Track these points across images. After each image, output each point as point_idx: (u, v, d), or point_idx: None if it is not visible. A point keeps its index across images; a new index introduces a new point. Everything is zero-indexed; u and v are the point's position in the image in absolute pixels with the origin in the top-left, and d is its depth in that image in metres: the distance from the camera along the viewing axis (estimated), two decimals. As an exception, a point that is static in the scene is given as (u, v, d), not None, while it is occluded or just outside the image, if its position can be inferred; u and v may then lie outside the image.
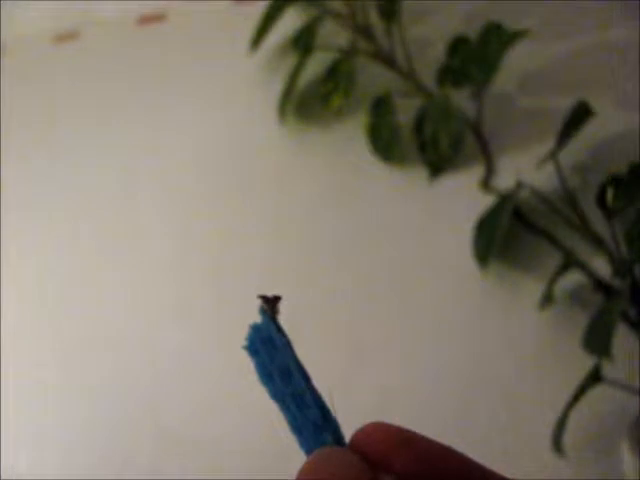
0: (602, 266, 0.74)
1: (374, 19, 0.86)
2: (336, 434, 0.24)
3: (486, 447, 0.75)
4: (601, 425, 0.74)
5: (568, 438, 0.69)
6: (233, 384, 0.82)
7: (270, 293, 0.26)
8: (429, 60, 0.84)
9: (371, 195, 0.87)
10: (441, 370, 0.80)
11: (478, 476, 0.24)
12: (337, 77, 0.85)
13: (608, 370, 0.68)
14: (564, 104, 0.75)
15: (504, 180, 0.80)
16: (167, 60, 0.99)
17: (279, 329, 0.25)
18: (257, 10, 0.89)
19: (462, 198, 0.82)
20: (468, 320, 0.80)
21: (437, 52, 0.83)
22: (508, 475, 0.24)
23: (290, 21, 0.89)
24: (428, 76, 0.83)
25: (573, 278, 0.76)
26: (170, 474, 0.85)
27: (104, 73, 1.01)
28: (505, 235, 0.75)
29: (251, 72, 0.93)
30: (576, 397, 0.68)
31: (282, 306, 0.26)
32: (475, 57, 0.79)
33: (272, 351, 0.25)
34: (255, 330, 0.25)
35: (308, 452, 0.24)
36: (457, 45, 0.81)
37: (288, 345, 0.25)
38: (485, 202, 0.78)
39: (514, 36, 0.78)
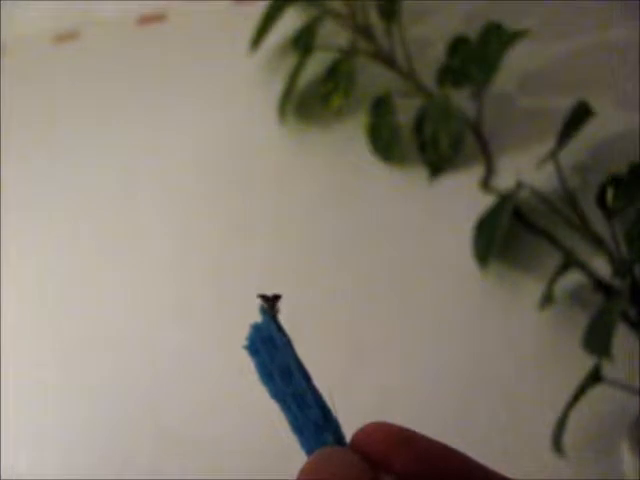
0: (602, 266, 0.74)
1: (374, 19, 0.86)
2: (337, 434, 0.24)
3: (486, 447, 0.75)
4: (601, 425, 0.74)
5: (568, 438, 0.69)
6: (233, 384, 0.82)
7: (270, 292, 0.26)
8: (429, 60, 0.84)
9: (371, 195, 0.87)
10: (441, 370, 0.80)
11: (479, 476, 0.24)
12: (337, 77, 0.85)
13: (608, 370, 0.68)
14: (564, 104, 0.75)
15: (504, 180, 0.80)
16: (167, 60, 0.99)
17: (279, 329, 0.25)
18: (257, 10, 0.89)
19: (462, 198, 0.82)
20: (468, 320, 0.80)
21: (437, 52, 0.83)
22: (508, 475, 0.24)
23: (290, 21, 0.89)
24: (428, 76, 0.83)
25: (573, 278, 0.76)
26: (170, 474, 0.85)
27: (104, 73, 1.01)
28: (505, 235, 0.75)
29: (251, 72, 0.93)
30: (576, 397, 0.68)
31: (282, 306, 0.26)
32: (475, 57, 0.79)
33: (273, 351, 0.25)
34: (255, 330, 0.25)
35: (309, 452, 0.24)
36: (457, 45, 0.81)
37: (289, 344, 0.25)
38: (485, 202, 0.78)
39: (514, 36, 0.78)
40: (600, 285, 0.74)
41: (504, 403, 0.78)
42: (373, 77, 0.86)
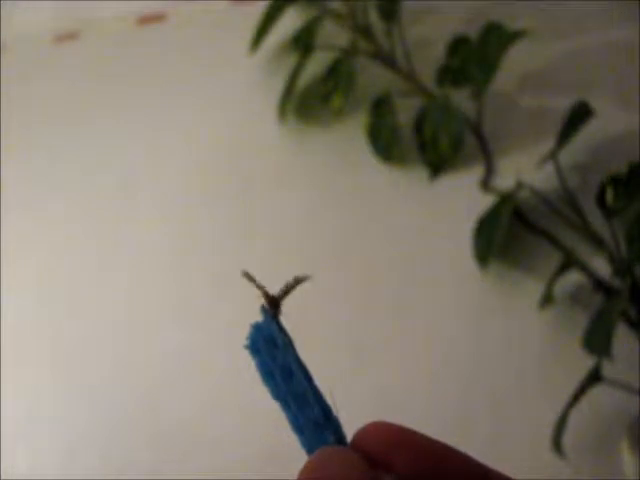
0: (602, 266, 0.74)
1: (374, 19, 0.86)
2: (338, 433, 0.24)
3: (486, 446, 0.75)
4: (601, 425, 0.74)
5: (568, 438, 0.69)
6: (234, 384, 0.82)
7: (271, 292, 0.26)
8: (429, 60, 0.84)
9: (371, 195, 0.87)
10: (441, 370, 0.80)
11: (479, 475, 0.24)
12: (337, 77, 0.85)
13: (608, 370, 0.68)
14: (564, 104, 0.75)
15: (504, 180, 0.80)
16: (167, 60, 0.99)
17: (281, 328, 0.25)
18: (257, 10, 0.89)
19: (462, 198, 0.82)
20: (468, 320, 0.80)
21: (437, 52, 0.83)
22: (508, 475, 0.24)
23: (290, 21, 0.89)
24: (428, 76, 0.83)
25: (573, 278, 0.76)
26: (170, 474, 0.85)
27: (104, 73, 1.01)
28: (505, 235, 0.75)
29: (251, 72, 0.93)
30: (576, 397, 0.68)
31: (283, 306, 0.26)
32: (475, 57, 0.79)
33: (274, 350, 0.25)
34: (257, 329, 0.25)
35: (310, 452, 0.24)
36: (457, 45, 0.81)
37: (290, 344, 0.25)
38: (485, 202, 0.78)
39: (514, 36, 0.78)
40: (600, 285, 0.74)
41: (504, 403, 0.78)
42: (373, 77, 0.86)
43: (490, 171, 0.82)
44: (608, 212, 0.68)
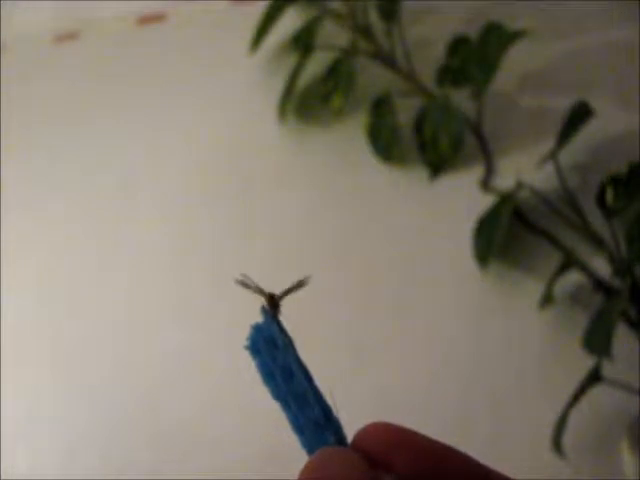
0: (602, 266, 0.74)
1: (374, 19, 0.86)
2: (338, 434, 0.24)
3: (486, 446, 0.75)
4: (601, 425, 0.74)
5: (568, 438, 0.69)
6: (234, 384, 0.82)
7: (271, 291, 0.26)
8: (429, 60, 0.84)
9: (371, 195, 0.87)
10: (441, 370, 0.80)
11: (479, 475, 0.24)
12: (337, 77, 0.85)
13: (608, 370, 0.68)
14: (564, 104, 0.75)
15: (504, 180, 0.80)
16: (167, 60, 0.99)
17: (281, 329, 0.25)
18: (257, 10, 0.89)
19: (462, 198, 0.82)
20: (468, 320, 0.80)
21: (437, 52, 0.83)
22: (508, 475, 0.24)
23: (290, 21, 0.89)
24: (428, 76, 0.83)
25: (573, 278, 0.76)
26: (170, 474, 0.85)
27: (104, 73, 1.01)
28: (505, 235, 0.75)
29: (251, 72, 0.93)
30: (576, 397, 0.68)
31: (283, 306, 0.26)
32: (475, 57, 0.79)
33: (274, 351, 0.25)
34: (257, 330, 0.25)
35: (310, 452, 0.24)
36: (457, 45, 0.81)
37: (290, 345, 0.25)
38: (485, 202, 0.78)
39: (514, 36, 0.78)
40: (600, 285, 0.74)
41: (504, 403, 0.78)
42: (373, 77, 0.86)
43: (490, 171, 0.82)
44: (608, 212, 0.68)
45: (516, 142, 0.82)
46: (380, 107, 0.84)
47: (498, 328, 0.79)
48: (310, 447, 0.24)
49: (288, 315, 0.27)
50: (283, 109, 0.88)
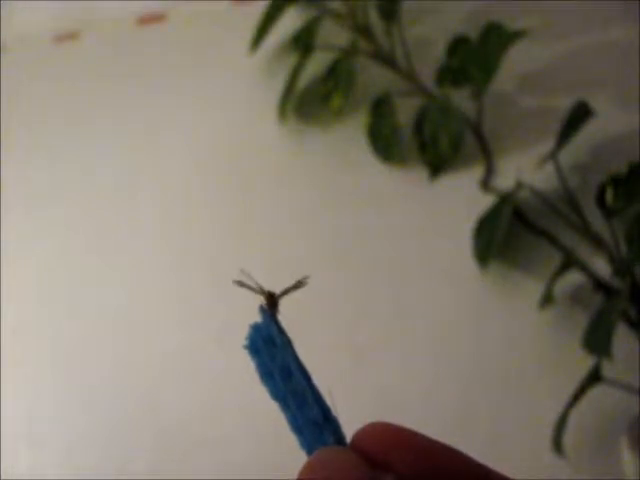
0: (602, 266, 0.74)
1: (374, 19, 0.86)
2: (337, 434, 0.24)
3: (486, 447, 0.75)
4: (601, 425, 0.74)
5: (568, 438, 0.69)
6: (234, 384, 0.82)
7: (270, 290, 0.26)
8: (429, 60, 0.84)
9: (371, 195, 0.87)
10: (441, 370, 0.80)
11: (479, 475, 0.24)
12: (337, 77, 0.85)
13: (608, 370, 0.68)
14: (564, 104, 0.75)
15: (504, 180, 0.80)
16: (167, 60, 0.99)
17: (279, 328, 0.25)
18: (257, 10, 0.89)
19: (462, 198, 0.82)
20: (468, 320, 0.80)
21: (437, 52, 0.83)
22: (508, 475, 0.24)
23: (290, 21, 0.89)
24: (428, 76, 0.83)
25: (573, 278, 0.76)
26: (170, 474, 0.85)
27: (104, 73, 1.01)
28: (505, 235, 0.75)
29: (251, 72, 0.93)
30: (576, 397, 0.68)
31: (282, 306, 0.26)
32: (475, 57, 0.79)
33: (273, 350, 0.24)
34: (255, 329, 0.25)
35: (309, 452, 0.24)
36: (457, 45, 0.81)
37: (289, 344, 0.25)
38: (485, 202, 0.78)
39: (514, 36, 0.78)
40: (600, 285, 0.74)
41: (504, 403, 0.78)
42: (373, 77, 0.86)
43: (490, 171, 0.82)
44: (608, 212, 0.68)
45: (516, 142, 0.82)
46: (380, 107, 0.84)
47: (498, 328, 0.79)
48: (309, 447, 0.24)
49: (288, 315, 0.27)
50: (283, 109, 0.88)
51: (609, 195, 0.69)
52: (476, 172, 0.82)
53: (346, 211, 0.87)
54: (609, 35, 0.83)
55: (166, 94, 0.97)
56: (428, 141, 0.82)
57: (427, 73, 0.83)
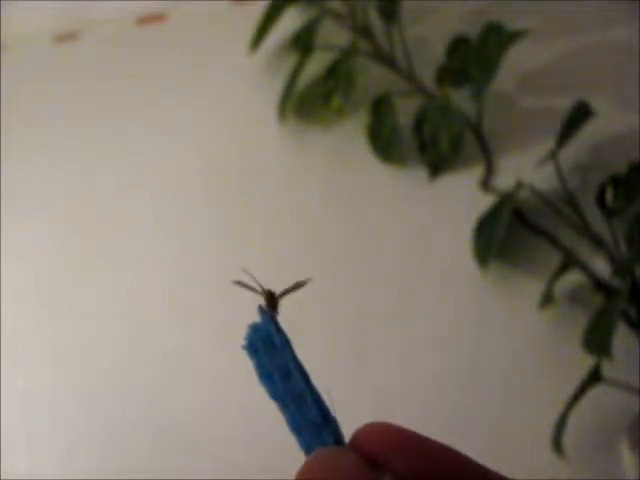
0: (602, 266, 0.74)
1: (374, 19, 0.86)
2: (336, 434, 0.24)
3: (486, 447, 0.75)
4: (601, 425, 0.74)
5: (568, 438, 0.69)
6: (234, 384, 0.82)
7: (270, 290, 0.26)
8: (429, 60, 0.84)
9: (371, 195, 0.87)
10: (441, 370, 0.80)
11: (479, 476, 0.24)
12: (337, 77, 0.85)
13: (608, 370, 0.68)
14: (564, 104, 0.75)
15: (504, 180, 0.80)
16: (167, 60, 0.99)
17: (278, 329, 0.25)
18: (257, 10, 0.89)
19: (462, 198, 0.82)
20: (468, 320, 0.80)
21: (437, 52, 0.83)
22: (508, 475, 0.24)
23: (290, 21, 0.89)
24: (428, 76, 0.83)
25: (573, 278, 0.76)
26: (170, 474, 0.85)
27: (103, 73, 1.01)
28: (505, 235, 0.75)
29: (251, 72, 0.93)
30: (576, 397, 0.68)
31: (282, 306, 0.26)
32: (475, 57, 0.79)
33: (271, 351, 0.24)
34: (254, 330, 0.25)
35: (308, 452, 0.24)
36: (457, 45, 0.81)
37: (287, 345, 0.25)
38: (485, 202, 0.78)
39: (514, 36, 0.78)
40: (600, 285, 0.74)
41: (504, 403, 0.78)
42: (373, 77, 0.86)
43: (490, 171, 0.81)
44: (608, 212, 0.68)
45: (516, 142, 0.82)
46: (380, 107, 0.84)
47: (498, 328, 0.79)
48: (308, 447, 0.23)
49: (288, 315, 0.27)
50: (283, 109, 0.88)
51: (609, 195, 0.69)
52: (476, 172, 0.82)
53: (346, 211, 0.87)
54: (609, 35, 0.83)
55: (166, 94, 0.97)
56: (428, 141, 0.82)
57: (427, 73, 0.83)
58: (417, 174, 0.84)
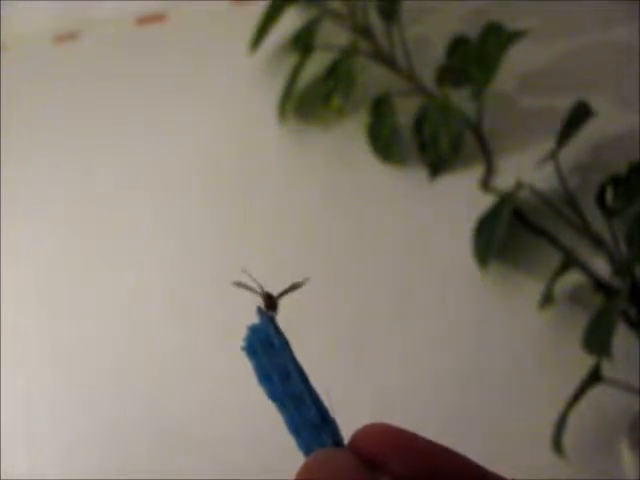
0: (602, 266, 0.74)
1: (374, 19, 0.86)
2: (335, 435, 0.24)
3: (486, 447, 0.75)
4: (601, 425, 0.74)
5: (568, 438, 0.69)
6: (233, 384, 0.82)
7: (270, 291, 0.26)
8: (429, 60, 0.84)
9: (371, 195, 0.87)
10: (441, 371, 0.80)
11: (478, 477, 0.24)
12: (337, 77, 0.85)
13: (608, 370, 0.68)
14: (564, 104, 0.75)
15: (504, 180, 0.80)
16: (167, 60, 0.99)
17: (277, 330, 0.25)
18: (257, 10, 0.89)
19: (462, 198, 0.82)
20: (468, 320, 0.80)
21: (437, 52, 0.83)
22: (508, 475, 0.24)
23: (290, 21, 0.89)
24: (428, 76, 0.83)
25: (573, 278, 0.76)
26: (169, 474, 0.85)
27: (103, 73, 1.01)
28: (505, 235, 0.75)
29: (251, 72, 0.93)
30: (576, 397, 0.68)
31: (282, 306, 0.26)
32: (475, 57, 0.79)
33: (270, 352, 0.24)
34: (253, 331, 0.25)
35: (307, 453, 0.24)
36: (457, 45, 0.81)
37: (286, 346, 0.25)
38: (485, 202, 0.78)
39: (514, 36, 0.78)
40: (600, 285, 0.74)
41: (504, 403, 0.78)
42: (373, 77, 0.86)
43: (490, 171, 0.81)
44: (608, 212, 0.68)
45: (516, 142, 0.82)
46: (380, 107, 0.84)
47: (498, 328, 0.79)
48: (307, 448, 0.23)
49: (288, 315, 0.27)
50: (283, 109, 0.88)
51: (609, 195, 0.69)
52: (476, 172, 0.82)
53: (346, 211, 0.87)
54: (609, 35, 0.83)
55: (166, 94, 0.97)
56: (428, 141, 0.82)
57: (427, 73, 0.83)
58: (417, 174, 0.84)
